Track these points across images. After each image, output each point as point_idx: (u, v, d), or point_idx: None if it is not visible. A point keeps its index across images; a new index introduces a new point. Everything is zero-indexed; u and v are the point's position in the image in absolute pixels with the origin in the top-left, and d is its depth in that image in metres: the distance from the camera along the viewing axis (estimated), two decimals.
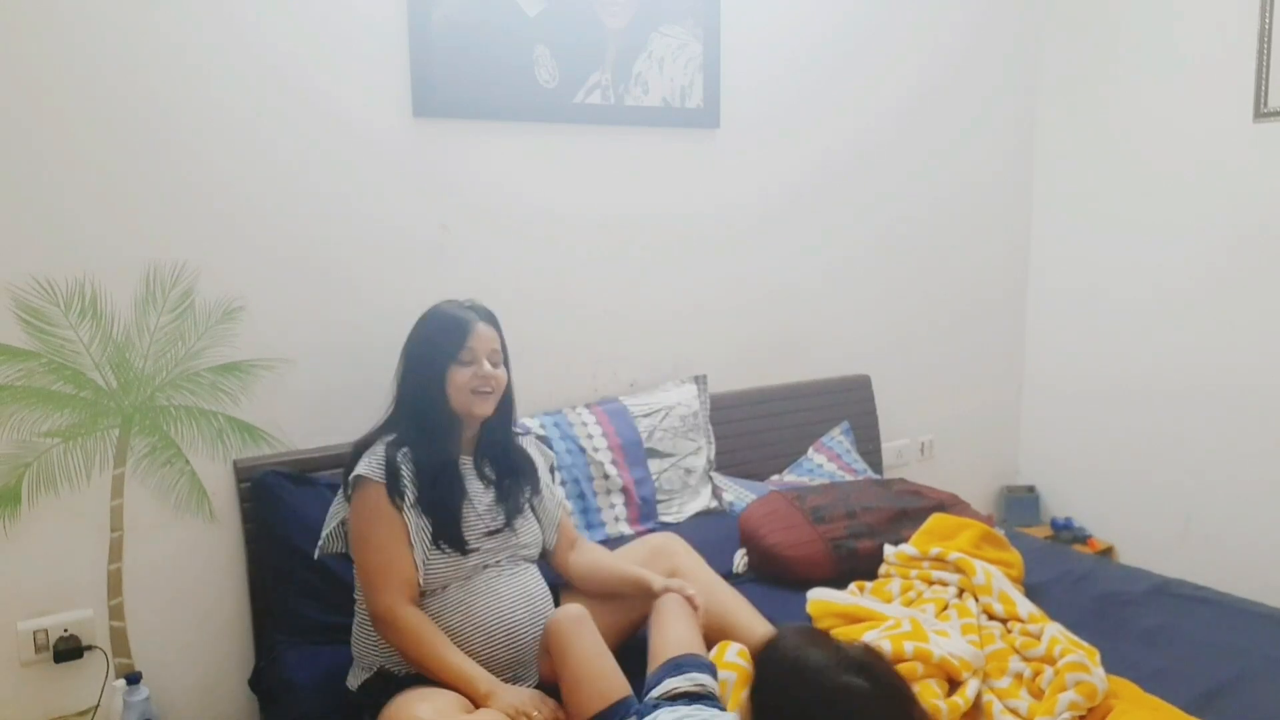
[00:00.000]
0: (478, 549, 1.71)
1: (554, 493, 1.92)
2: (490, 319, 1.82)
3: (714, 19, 2.58)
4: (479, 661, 1.62)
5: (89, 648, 1.96)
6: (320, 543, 1.79)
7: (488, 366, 1.76)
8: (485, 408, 1.77)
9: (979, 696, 1.63)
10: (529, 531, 1.81)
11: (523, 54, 2.31)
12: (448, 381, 1.73)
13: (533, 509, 1.83)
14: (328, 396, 2.17)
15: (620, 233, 2.56)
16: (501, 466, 1.82)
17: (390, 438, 1.73)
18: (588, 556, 1.88)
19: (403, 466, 1.69)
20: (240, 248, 2.05)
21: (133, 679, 1.93)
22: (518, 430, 1.93)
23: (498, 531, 1.75)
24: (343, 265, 2.17)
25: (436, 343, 1.76)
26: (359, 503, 1.68)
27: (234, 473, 2.08)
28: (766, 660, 1.41)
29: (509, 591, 1.71)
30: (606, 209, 2.53)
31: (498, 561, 1.73)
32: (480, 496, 1.76)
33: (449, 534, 1.68)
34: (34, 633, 1.92)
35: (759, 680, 1.43)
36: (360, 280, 2.20)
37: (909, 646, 1.64)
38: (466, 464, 1.79)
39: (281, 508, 2.00)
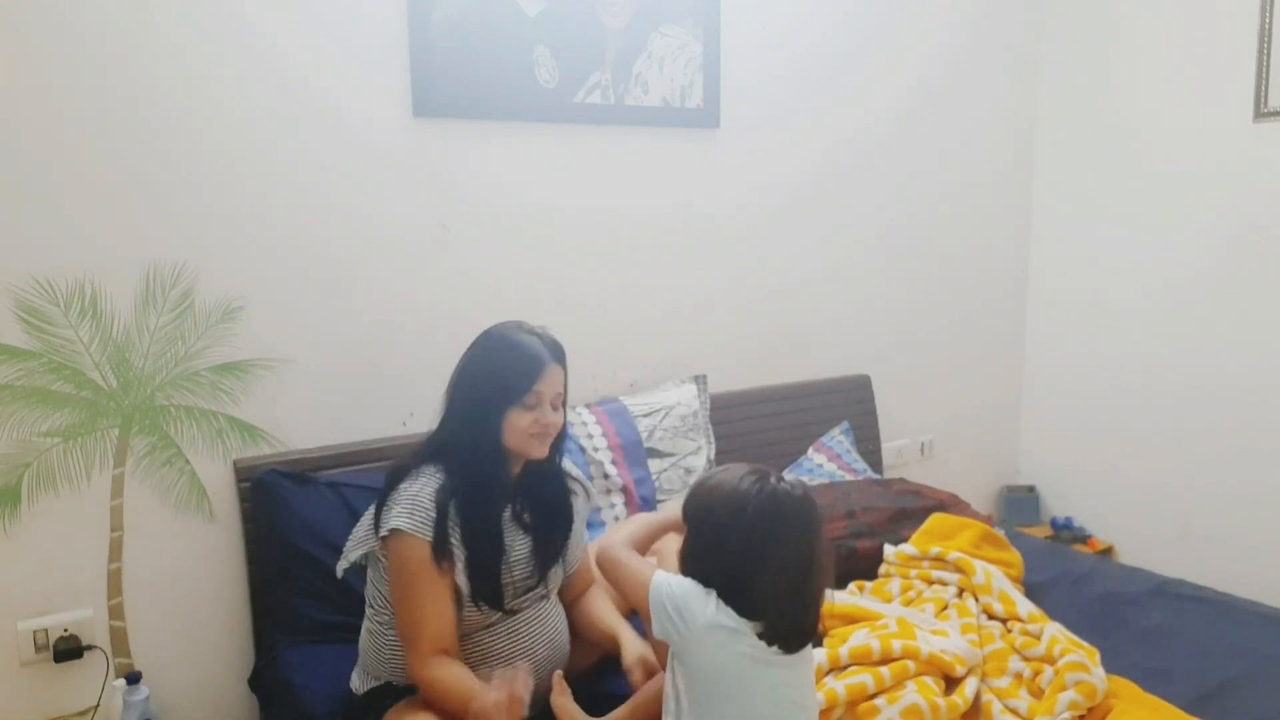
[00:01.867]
0: (509, 602, 1.64)
1: (581, 539, 1.80)
2: (561, 357, 1.65)
3: (714, 19, 2.58)
4: None
5: (89, 647, 1.96)
6: (345, 567, 1.70)
7: (550, 412, 1.61)
8: (540, 450, 1.63)
9: (979, 696, 1.63)
10: (556, 579, 1.74)
11: (523, 54, 2.31)
12: (505, 424, 1.59)
13: (561, 557, 1.74)
14: (328, 396, 2.17)
15: (620, 233, 2.56)
16: (540, 514, 1.69)
17: (439, 478, 1.59)
18: (591, 608, 1.79)
19: (451, 521, 1.56)
20: (240, 248, 2.05)
21: (133, 679, 1.93)
22: (568, 472, 1.79)
23: (532, 588, 1.66)
24: (343, 265, 2.17)
25: (502, 378, 1.59)
26: (400, 555, 1.54)
27: (234, 473, 2.08)
28: (693, 492, 1.40)
29: (531, 631, 1.66)
30: (607, 209, 2.52)
31: (522, 603, 1.66)
32: (517, 547, 1.64)
33: (489, 596, 1.59)
34: (34, 632, 1.92)
35: (685, 510, 1.40)
36: (360, 280, 2.19)
37: (897, 645, 1.65)
38: (506, 512, 1.66)
39: (281, 508, 2.00)
